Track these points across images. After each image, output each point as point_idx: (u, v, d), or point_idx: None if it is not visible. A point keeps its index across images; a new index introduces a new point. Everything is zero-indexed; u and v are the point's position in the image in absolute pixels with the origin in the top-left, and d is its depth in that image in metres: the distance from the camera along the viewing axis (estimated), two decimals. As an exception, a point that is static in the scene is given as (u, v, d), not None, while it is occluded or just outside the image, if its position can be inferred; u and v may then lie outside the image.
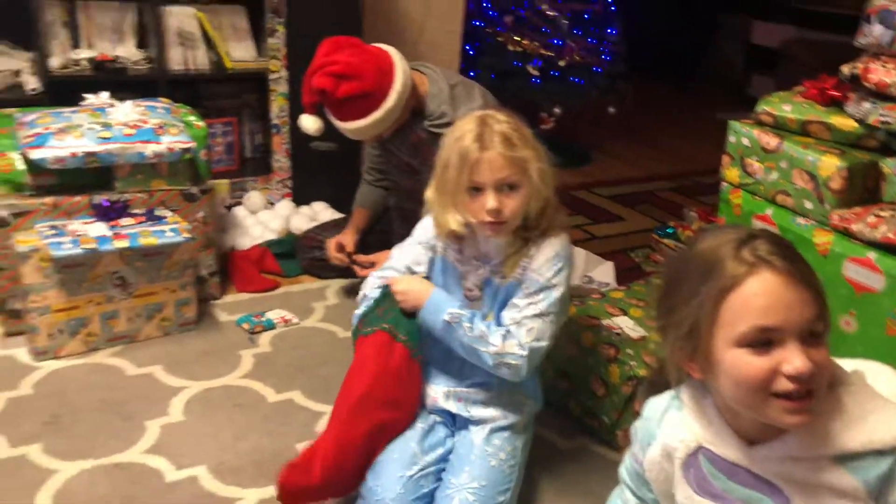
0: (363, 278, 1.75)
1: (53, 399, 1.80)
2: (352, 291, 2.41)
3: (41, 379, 1.87)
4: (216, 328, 2.19)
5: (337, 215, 2.80)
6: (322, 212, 2.91)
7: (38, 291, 1.88)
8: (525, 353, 1.44)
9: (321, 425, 1.76)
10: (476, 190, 1.42)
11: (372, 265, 2.15)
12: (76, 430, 1.70)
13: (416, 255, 1.60)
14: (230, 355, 2.06)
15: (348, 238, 2.32)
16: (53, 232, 1.92)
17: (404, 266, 1.60)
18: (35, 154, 1.90)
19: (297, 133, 2.90)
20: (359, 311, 1.59)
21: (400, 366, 1.49)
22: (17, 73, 2.46)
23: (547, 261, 1.46)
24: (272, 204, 2.91)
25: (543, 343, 1.46)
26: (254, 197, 2.84)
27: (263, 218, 2.78)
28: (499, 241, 1.48)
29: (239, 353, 2.07)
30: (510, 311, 1.48)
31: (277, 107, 2.86)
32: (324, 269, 2.49)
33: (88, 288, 1.94)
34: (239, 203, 2.84)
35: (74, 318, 1.94)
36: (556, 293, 1.46)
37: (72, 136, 1.95)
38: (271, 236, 2.69)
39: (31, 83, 2.44)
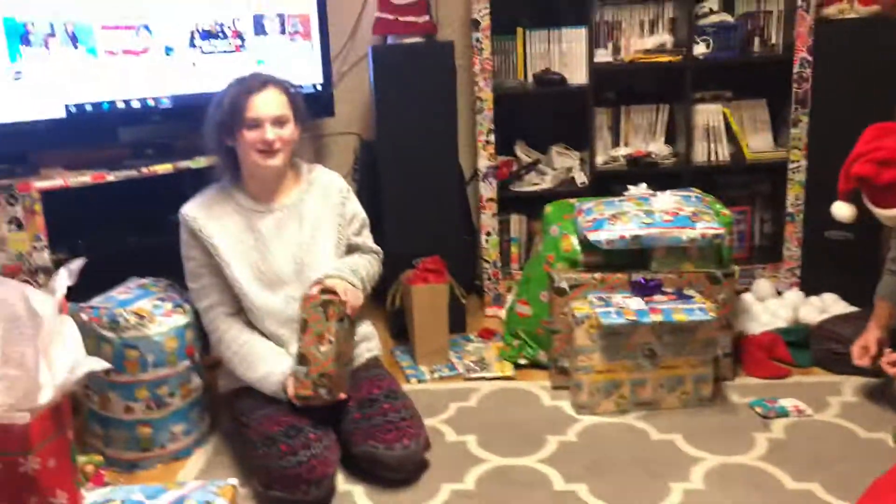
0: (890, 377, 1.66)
1: (593, 448, 2.09)
2: (872, 391, 2.28)
3: (582, 429, 2.19)
4: (729, 407, 2.27)
5: (848, 308, 2.68)
6: (833, 304, 2.80)
7: (586, 353, 2.22)
8: None
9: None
10: None
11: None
12: (612, 478, 1.95)
13: None
14: (744, 435, 2.12)
15: (871, 337, 2.22)
16: (602, 303, 2.25)
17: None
18: (593, 236, 2.28)
19: (811, 222, 2.89)
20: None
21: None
22: (569, 169, 2.97)
23: None
24: (780, 293, 2.91)
25: None
26: (762, 284, 2.89)
27: (772, 306, 2.80)
28: None
29: (752, 435, 2.12)
30: None
31: (793, 195, 2.88)
32: (838, 364, 2.40)
33: (624, 355, 2.22)
34: (747, 290, 2.91)
35: (610, 381, 2.23)
36: None
37: (621, 221, 2.28)
38: (779, 324, 2.70)
39: (581, 177, 2.92)
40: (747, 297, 2.86)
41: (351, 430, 1.93)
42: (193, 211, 1.99)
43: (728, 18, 2.93)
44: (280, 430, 1.84)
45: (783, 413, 2.21)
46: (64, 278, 1.26)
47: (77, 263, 1.28)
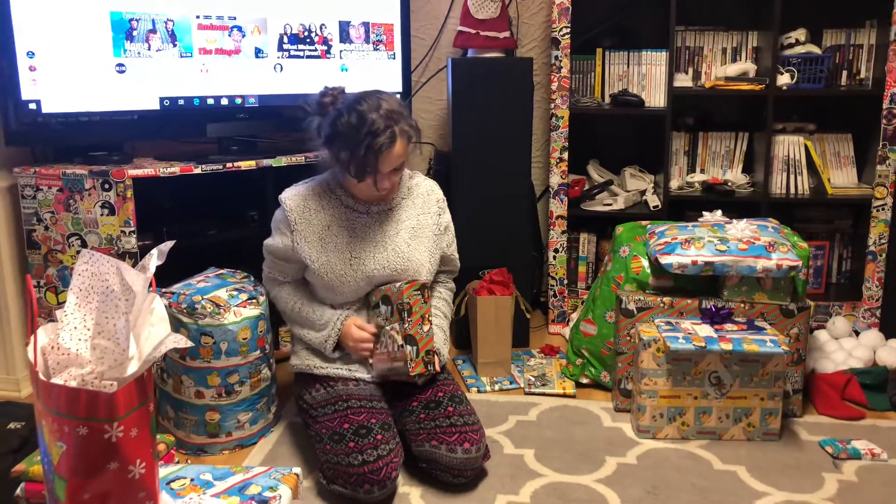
0: None
1: (653, 472, 2.05)
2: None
3: (643, 453, 2.15)
4: (797, 444, 2.20)
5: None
6: (915, 348, 2.69)
7: (651, 377, 2.18)
8: None
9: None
10: None
11: None
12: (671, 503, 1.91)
13: None
14: (812, 474, 2.05)
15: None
16: (669, 327, 2.22)
17: None
18: (664, 260, 2.25)
19: (894, 262, 2.79)
20: None
21: None
22: (642, 192, 2.95)
23: None
24: (856, 332, 2.81)
25: None
26: (839, 322, 2.79)
27: (847, 345, 2.71)
28: None
29: (822, 475, 2.05)
30: None
31: (877, 234, 2.79)
32: (918, 410, 2.30)
33: (689, 382, 2.18)
34: (821, 326, 2.82)
35: (674, 407, 2.20)
36: None
37: (694, 246, 2.25)
38: (855, 364, 2.60)
39: (653, 201, 2.89)
40: (821, 334, 2.77)
41: (414, 430, 1.95)
42: (292, 201, 2.03)
43: (815, 50, 2.87)
44: (350, 427, 1.87)
45: (856, 455, 2.13)
46: (155, 258, 1.31)
47: (167, 245, 1.34)
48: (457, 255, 2.25)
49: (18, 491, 1.62)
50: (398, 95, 2.90)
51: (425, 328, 1.97)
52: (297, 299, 2.09)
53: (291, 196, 2.04)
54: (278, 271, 2.11)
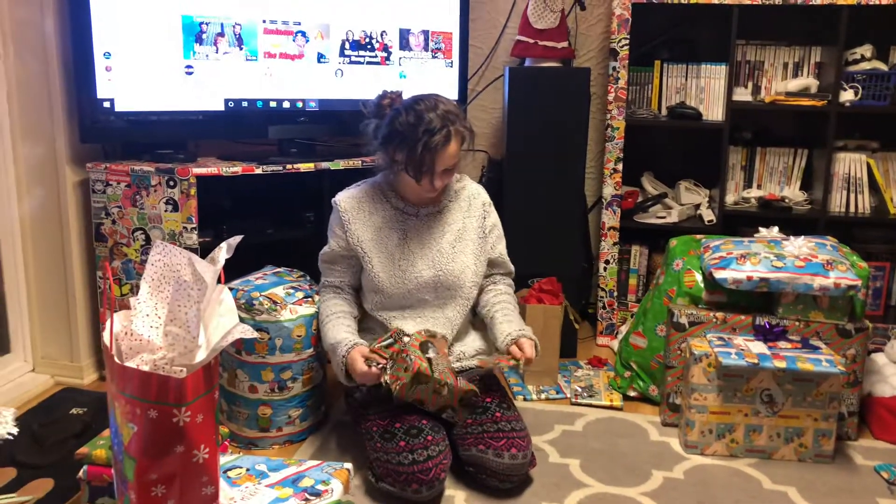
0: None
1: (699, 488, 2.03)
2: None
3: (690, 468, 2.13)
4: (851, 468, 2.16)
5: None
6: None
7: (701, 392, 2.16)
8: None
9: None
10: None
11: None
12: (720, 521, 1.89)
13: None
14: (866, 499, 2.00)
15: None
16: (721, 343, 2.20)
17: None
18: (718, 274, 2.23)
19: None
20: None
21: None
22: (697, 206, 2.92)
23: None
24: (919, 356, 2.73)
25: None
26: (897, 345, 2.72)
27: (905, 368, 2.64)
28: None
29: (876, 500, 2.00)
30: None
31: (940, 256, 2.72)
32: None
33: (740, 399, 2.15)
34: (879, 349, 2.75)
35: (724, 423, 2.17)
36: None
37: (750, 262, 2.23)
38: (914, 389, 2.53)
39: (708, 215, 2.87)
40: (879, 357, 2.70)
41: (462, 434, 1.97)
42: (346, 203, 2.09)
43: (881, 67, 2.82)
44: (401, 426, 1.90)
45: (913, 482, 2.08)
46: (224, 251, 1.36)
47: (235, 240, 1.38)
48: (507, 259, 2.25)
49: (81, 473, 1.69)
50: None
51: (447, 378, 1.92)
52: (333, 312, 2.08)
53: (345, 198, 2.10)
54: (335, 275, 2.14)
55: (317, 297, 2.20)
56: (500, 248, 2.23)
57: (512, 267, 2.27)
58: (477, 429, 1.95)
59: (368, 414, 1.99)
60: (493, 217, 2.21)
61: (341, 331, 2.01)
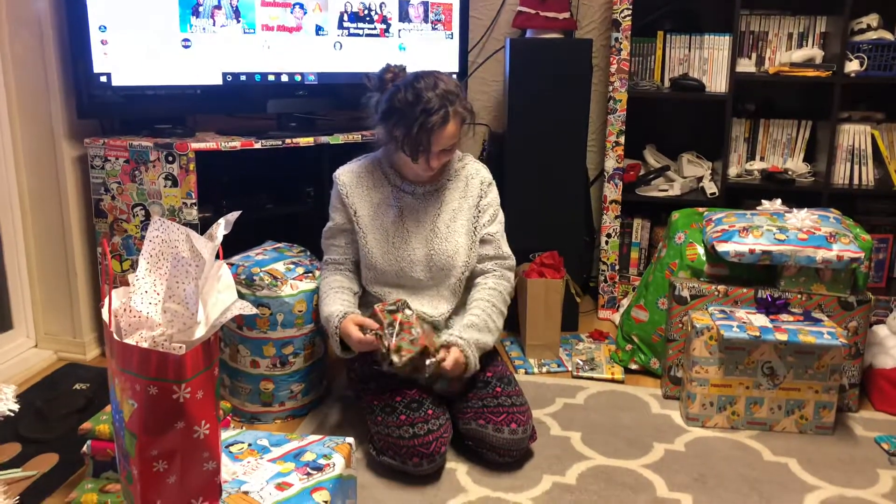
0: None
1: (700, 460, 2.04)
2: None
3: (691, 441, 2.14)
4: (852, 439, 2.17)
5: None
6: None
7: (702, 364, 2.17)
8: None
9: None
10: None
11: None
12: (720, 493, 1.90)
13: None
14: (867, 470, 2.01)
15: None
16: (723, 315, 2.19)
17: None
18: (721, 247, 2.22)
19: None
20: None
21: None
22: (699, 179, 2.90)
23: None
24: (920, 328, 2.73)
25: None
26: (899, 317, 2.72)
27: (907, 340, 2.64)
28: None
29: (876, 471, 2.01)
30: None
31: (943, 228, 2.71)
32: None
33: (742, 371, 2.16)
34: (881, 321, 2.75)
35: (725, 396, 2.17)
36: None
37: (752, 234, 2.22)
38: (914, 361, 2.53)
39: (710, 188, 2.85)
40: (881, 329, 2.69)
41: (462, 408, 1.97)
42: (345, 177, 2.08)
43: (888, 36, 2.78)
44: (402, 400, 1.90)
45: (912, 453, 2.09)
46: (222, 227, 1.35)
47: (233, 215, 1.37)
48: (502, 241, 2.13)
49: (85, 448, 1.70)
50: (455, 76, 2.90)
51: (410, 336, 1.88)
52: (331, 287, 2.06)
53: (344, 172, 2.09)
54: (336, 252, 2.13)
55: (318, 273, 2.19)
56: (492, 229, 2.11)
57: (508, 252, 2.14)
58: (477, 403, 1.96)
59: (369, 388, 2.00)
60: (491, 197, 2.12)
61: (336, 304, 2.00)
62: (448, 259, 2.05)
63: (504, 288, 2.11)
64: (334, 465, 1.51)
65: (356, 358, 2.06)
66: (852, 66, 2.73)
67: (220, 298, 1.29)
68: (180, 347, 1.21)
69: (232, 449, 1.54)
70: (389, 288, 2.08)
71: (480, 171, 2.15)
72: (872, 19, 2.78)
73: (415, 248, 2.05)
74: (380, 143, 2.10)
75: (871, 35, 2.77)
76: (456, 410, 1.99)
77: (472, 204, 2.11)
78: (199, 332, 1.24)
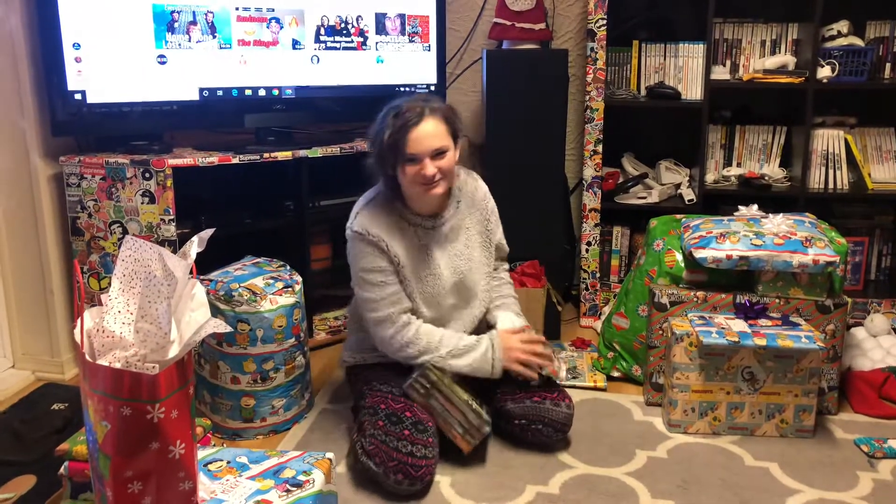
0: None
1: (683, 467, 2.05)
2: None
3: (673, 447, 2.15)
4: (832, 442, 2.18)
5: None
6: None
7: (683, 371, 2.18)
8: None
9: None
10: None
11: None
12: (702, 499, 1.90)
13: None
14: (846, 472, 2.03)
15: None
16: (702, 322, 2.21)
17: None
18: (698, 254, 2.23)
19: (935, 259, 2.73)
20: None
21: None
22: (677, 185, 2.92)
23: None
24: (895, 329, 2.76)
25: None
26: (877, 320, 2.74)
27: (885, 343, 2.66)
28: None
29: (856, 473, 2.02)
30: None
31: (918, 230, 2.74)
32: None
33: (722, 377, 2.17)
34: (859, 324, 2.78)
35: (706, 401, 2.18)
36: None
37: (729, 240, 2.23)
38: (893, 363, 2.55)
39: (689, 194, 2.87)
40: (859, 332, 2.73)
41: (508, 391, 2.06)
42: (372, 228, 1.96)
43: (858, 42, 2.82)
44: (411, 417, 1.89)
45: (892, 454, 2.10)
46: (195, 245, 1.35)
47: (207, 233, 1.37)
48: (504, 240, 2.27)
49: (62, 469, 1.67)
50: (433, 87, 2.91)
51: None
52: (440, 335, 2.02)
53: (369, 224, 1.96)
54: (403, 299, 2.01)
55: (297, 287, 2.19)
56: (500, 233, 2.24)
57: (507, 248, 2.30)
58: (525, 385, 2.05)
59: (377, 389, 1.99)
60: (492, 203, 2.21)
61: (466, 337, 2.05)
62: (473, 280, 2.12)
63: (511, 283, 2.34)
64: (314, 480, 1.50)
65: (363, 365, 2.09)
66: (824, 72, 2.76)
67: (194, 317, 1.29)
68: (154, 367, 1.21)
69: (210, 467, 1.53)
70: (426, 320, 2.07)
71: (478, 184, 2.18)
72: (843, 26, 2.82)
73: (445, 280, 2.07)
74: (383, 183, 2.00)
75: (842, 41, 2.81)
76: (502, 393, 2.07)
77: (482, 217, 2.16)
78: (173, 352, 1.23)
